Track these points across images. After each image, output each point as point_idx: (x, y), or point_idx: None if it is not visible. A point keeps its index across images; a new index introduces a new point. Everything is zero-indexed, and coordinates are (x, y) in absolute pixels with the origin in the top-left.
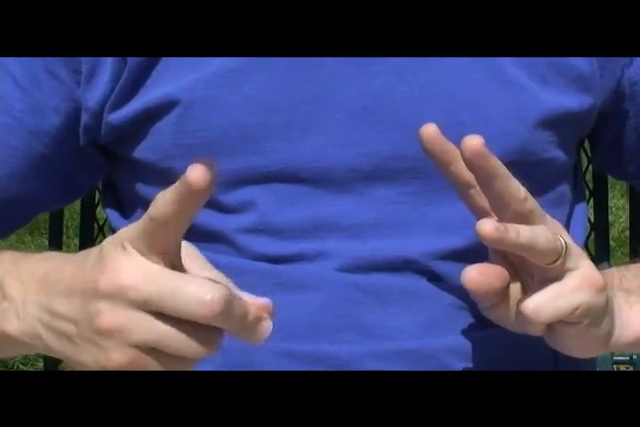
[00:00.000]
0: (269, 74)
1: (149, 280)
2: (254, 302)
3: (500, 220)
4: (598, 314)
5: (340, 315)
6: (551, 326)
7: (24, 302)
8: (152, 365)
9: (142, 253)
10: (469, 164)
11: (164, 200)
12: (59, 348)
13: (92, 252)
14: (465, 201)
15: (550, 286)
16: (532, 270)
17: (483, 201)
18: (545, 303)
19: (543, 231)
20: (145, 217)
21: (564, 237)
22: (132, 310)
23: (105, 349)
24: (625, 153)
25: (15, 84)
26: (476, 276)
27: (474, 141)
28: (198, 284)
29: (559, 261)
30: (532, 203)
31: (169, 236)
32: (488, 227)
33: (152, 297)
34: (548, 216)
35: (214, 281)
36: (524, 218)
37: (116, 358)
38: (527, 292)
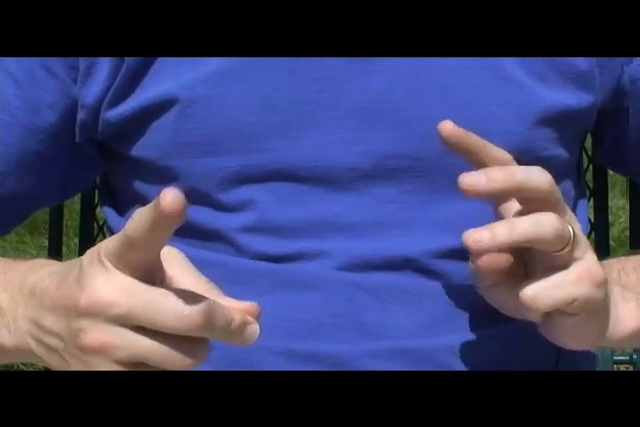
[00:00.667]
0: (269, 72)
1: (127, 296)
2: (239, 307)
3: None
4: (596, 308)
5: (340, 314)
6: (548, 315)
7: (14, 317)
8: None
9: (119, 268)
10: (450, 146)
11: (138, 221)
12: (50, 361)
13: (74, 265)
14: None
15: (551, 275)
16: (536, 256)
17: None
18: (543, 292)
19: (549, 219)
20: (122, 232)
21: (574, 227)
22: (114, 326)
23: (91, 366)
24: (627, 150)
25: (12, 81)
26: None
27: (446, 126)
28: (176, 298)
29: (567, 249)
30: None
31: (145, 253)
32: (471, 239)
33: (131, 313)
34: (566, 205)
35: (194, 293)
36: (543, 205)
37: None
38: (529, 276)
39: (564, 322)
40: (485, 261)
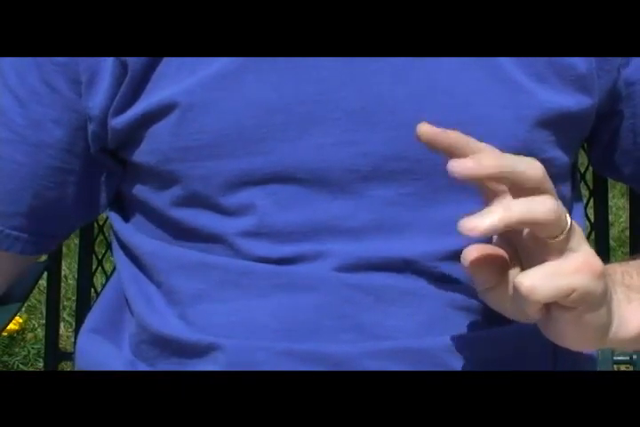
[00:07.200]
0: (267, 75)
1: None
2: None
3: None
4: (595, 300)
5: (340, 315)
6: (546, 310)
7: None
8: None
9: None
10: (433, 146)
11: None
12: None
13: None
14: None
15: (549, 263)
16: (533, 251)
17: (494, 186)
18: (541, 280)
19: (545, 200)
20: None
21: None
22: None
23: None
24: (620, 154)
25: (14, 99)
26: (475, 253)
27: (422, 128)
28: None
29: (562, 236)
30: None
31: None
32: (467, 224)
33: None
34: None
35: None
36: (534, 194)
37: None
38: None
39: (563, 317)
40: (476, 259)
